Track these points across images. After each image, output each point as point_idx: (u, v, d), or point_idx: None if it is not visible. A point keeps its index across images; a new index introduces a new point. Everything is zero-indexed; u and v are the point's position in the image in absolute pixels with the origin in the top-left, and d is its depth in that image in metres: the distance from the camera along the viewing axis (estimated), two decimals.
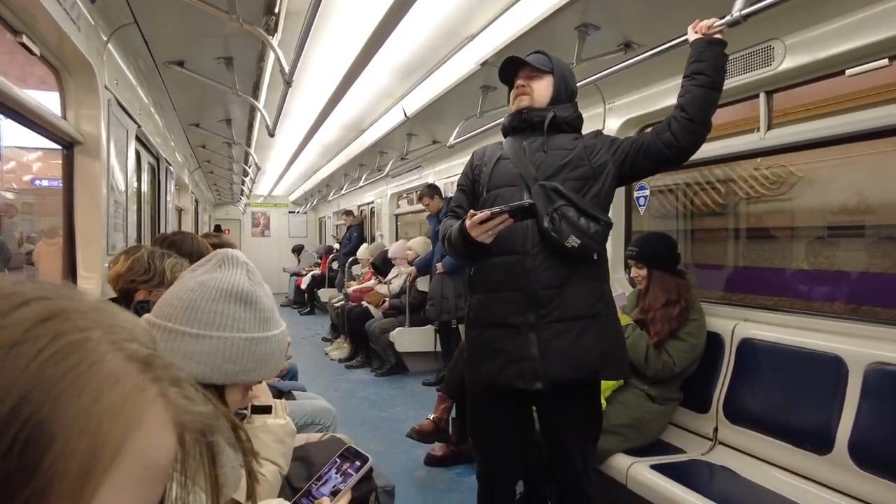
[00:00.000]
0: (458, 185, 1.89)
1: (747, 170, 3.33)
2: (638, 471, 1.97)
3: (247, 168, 6.49)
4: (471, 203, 1.79)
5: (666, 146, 1.61)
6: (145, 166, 3.64)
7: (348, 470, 1.03)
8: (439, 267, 4.49)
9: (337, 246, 8.93)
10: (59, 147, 2.22)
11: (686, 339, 2.19)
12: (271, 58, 2.70)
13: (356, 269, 7.08)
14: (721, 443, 2.16)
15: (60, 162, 2.28)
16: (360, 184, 6.78)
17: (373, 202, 7.97)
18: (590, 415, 1.75)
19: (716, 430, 2.19)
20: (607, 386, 2.20)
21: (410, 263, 5.11)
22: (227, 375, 0.91)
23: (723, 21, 1.58)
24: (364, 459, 1.04)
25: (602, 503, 1.79)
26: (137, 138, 3.11)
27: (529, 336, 1.62)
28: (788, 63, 2.03)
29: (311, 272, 9.10)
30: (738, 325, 2.23)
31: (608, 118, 2.95)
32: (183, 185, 6.05)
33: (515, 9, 2.28)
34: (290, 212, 12.66)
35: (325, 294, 8.10)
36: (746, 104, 2.38)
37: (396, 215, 7.36)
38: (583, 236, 1.59)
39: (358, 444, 1.26)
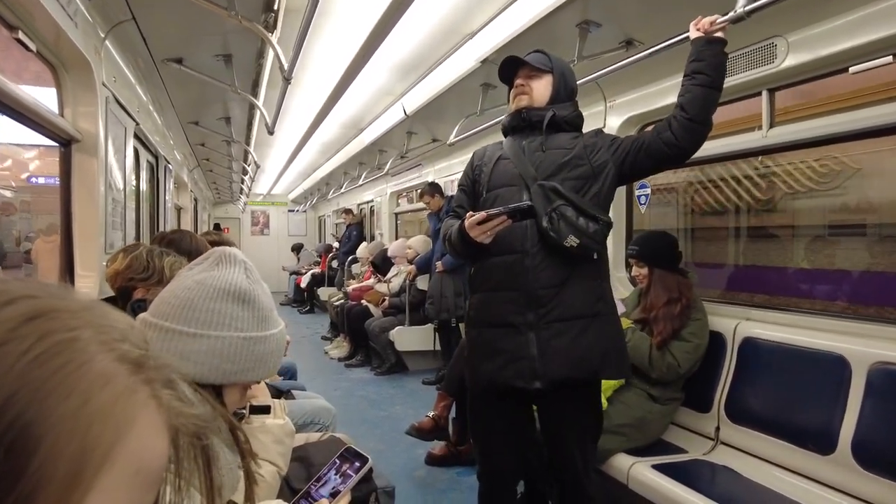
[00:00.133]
0: (459, 185, 1.89)
1: (792, 161, 3.12)
2: (639, 471, 1.96)
3: (246, 166, 6.48)
4: (472, 203, 1.79)
5: (666, 145, 1.61)
6: (144, 164, 3.62)
7: (348, 471, 1.01)
8: (439, 265, 4.48)
9: (336, 244, 8.92)
10: (57, 144, 2.20)
11: (690, 339, 2.18)
12: (270, 55, 2.68)
13: (356, 268, 7.07)
14: (723, 443, 2.15)
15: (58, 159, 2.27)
16: (360, 182, 6.76)
17: (372, 201, 7.96)
18: (590, 414, 1.75)
19: (717, 429, 2.17)
20: (608, 385, 2.19)
21: (410, 262, 5.10)
22: (225, 375, 0.90)
23: (726, 17, 1.57)
24: (364, 460, 1.03)
25: (603, 503, 1.78)
26: (136, 136, 3.09)
27: (529, 335, 1.62)
28: (791, 60, 2.02)
29: (311, 271, 9.09)
30: (739, 324, 2.22)
31: (609, 116, 2.93)
32: (182, 184, 6.03)
33: (516, 6, 2.27)
34: (289, 210, 12.65)
35: (324, 293, 8.09)
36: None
37: (396, 214, 7.35)
38: (581, 236, 1.59)
39: (357, 444, 1.25)
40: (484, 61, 2.63)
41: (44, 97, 2.01)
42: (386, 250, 5.87)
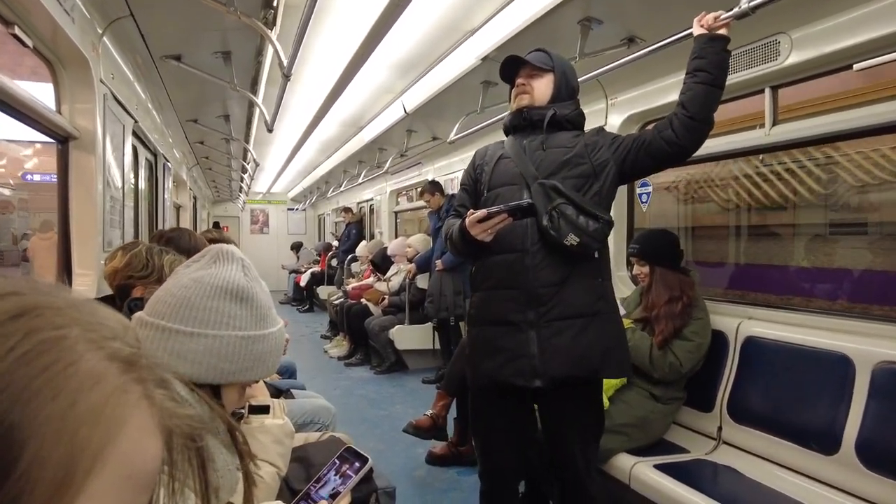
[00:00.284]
0: (461, 185, 1.90)
1: (860, 150, 2.85)
2: (641, 471, 1.95)
3: (245, 165, 6.46)
4: (473, 202, 1.80)
5: (667, 144, 1.60)
6: (142, 162, 3.61)
7: (348, 471, 1.00)
8: (439, 264, 4.47)
9: (336, 243, 8.90)
10: (54, 141, 2.19)
11: (692, 338, 2.16)
12: (269, 52, 2.67)
13: (355, 267, 7.06)
14: (725, 442, 2.14)
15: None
16: (360, 181, 6.75)
17: (372, 199, 7.95)
18: (591, 413, 1.74)
19: (720, 429, 2.16)
20: (610, 385, 2.17)
21: (410, 260, 5.09)
22: (224, 375, 0.88)
23: (730, 13, 1.55)
24: (364, 460, 1.01)
25: (605, 503, 1.77)
26: (134, 134, 3.08)
27: (529, 334, 1.62)
28: (795, 57, 2.00)
29: (311, 269, 9.07)
30: (742, 323, 2.21)
31: (610, 114, 2.92)
32: (181, 182, 6.01)
33: (517, 3, 2.25)
34: (288, 209, 12.63)
35: (324, 291, 8.08)
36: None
37: (396, 212, 7.34)
38: (582, 234, 1.59)
39: (357, 443, 1.23)
40: (485, 59, 2.61)
41: (41, 92, 2.00)
42: (385, 249, 5.86)
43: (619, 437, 2.09)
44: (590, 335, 1.62)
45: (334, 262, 8.17)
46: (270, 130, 3.67)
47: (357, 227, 7.96)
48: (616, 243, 2.85)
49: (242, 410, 1.18)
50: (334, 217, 10.58)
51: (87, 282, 2.23)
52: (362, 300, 5.52)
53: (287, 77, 2.42)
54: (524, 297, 1.63)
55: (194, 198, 7.30)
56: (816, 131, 2.05)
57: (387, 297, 5.34)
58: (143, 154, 3.64)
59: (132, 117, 2.92)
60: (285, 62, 2.28)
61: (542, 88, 1.74)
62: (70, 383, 0.29)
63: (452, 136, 3.71)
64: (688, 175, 3.89)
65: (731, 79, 1.71)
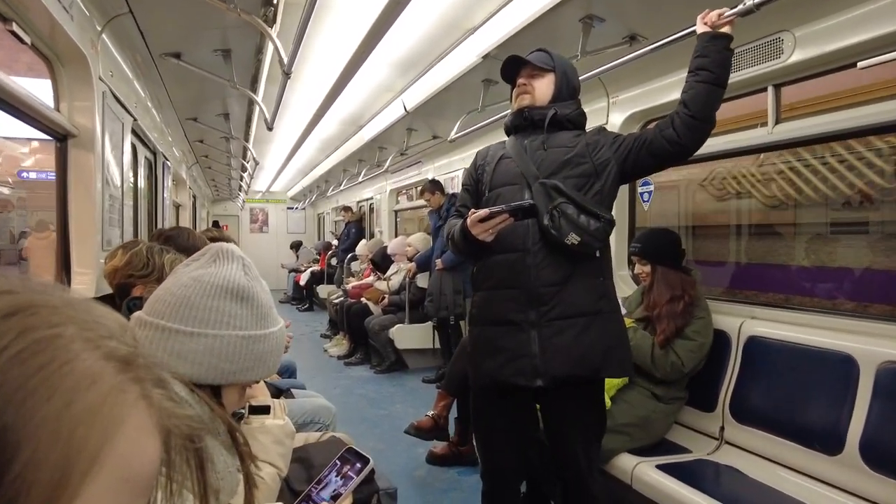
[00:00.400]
0: (462, 185, 1.90)
1: None
2: (643, 471, 1.94)
3: (245, 163, 6.45)
4: (475, 202, 1.80)
5: (668, 143, 1.60)
6: (142, 161, 3.59)
7: (349, 472, 0.99)
8: (439, 263, 4.46)
9: (336, 242, 8.89)
10: (52, 139, 2.17)
11: (694, 337, 2.16)
12: (270, 50, 2.66)
13: (355, 266, 7.05)
14: (727, 442, 2.13)
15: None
16: (359, 179, 6.74)
17: (372, 198, 7.94)
18: (592, 412, 1.74)
19: (722, 429, 2.15)
20: (612, 385, 2.17)
21: (410, 259, 5.09)
22: (224, 375, 0.87)
23: (734, 10, 1.54)
24: (365, 461, 1.01)
25: (606, 503, 1.76)
26: (134, 132, 3.06)
27: (531, 333, 1.62)
28: (798, 56, 1.99)
29: (310, 268, 9.07)
30: (744, 322, 2.20)
31: (612, 112, 2.91)
32: (180, 181, 6.00)
33: (518, 0, 2.24)
34: (288, 208, 12.62)
35: (323, 290, 8.07)
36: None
37: (396, 211, 7.32)
38: (583, 233, 1.59)
39: (357, 443, 1.23)
40: (485, 57, 2.60)
41: (39, 89, 1.98)
42: (385, 248, 5.85)
43: (621, 437, 2.08)
44: (591, 334, 1.62)
45: (334, 261, 8.17)
46: (270, 129, 3.66)
47: (357, 226, 7.95)
48: (617, 242, 2.84)
49: (243, 411, 1.17)
50: (334, 216, 10.56)
51: (86, 280, 2.22)
52: (362, 299, 5.51)
53: (287, 75, 2.41)
54: (525, 297, 1.63)
55: (194, 196, 7.28)
56: (819, 130, 2.04)
57: (387, 296, 5.33)
58: (143, 152, 3.62)
59: (131, 115, 2.90)
60: (285, 60, 2.27)
61: (543, 88, 1.74)
62: (65, 383, 0.28)
63: (453, 135, 3.70)
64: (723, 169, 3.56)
65: (734, 77, 1.70)
